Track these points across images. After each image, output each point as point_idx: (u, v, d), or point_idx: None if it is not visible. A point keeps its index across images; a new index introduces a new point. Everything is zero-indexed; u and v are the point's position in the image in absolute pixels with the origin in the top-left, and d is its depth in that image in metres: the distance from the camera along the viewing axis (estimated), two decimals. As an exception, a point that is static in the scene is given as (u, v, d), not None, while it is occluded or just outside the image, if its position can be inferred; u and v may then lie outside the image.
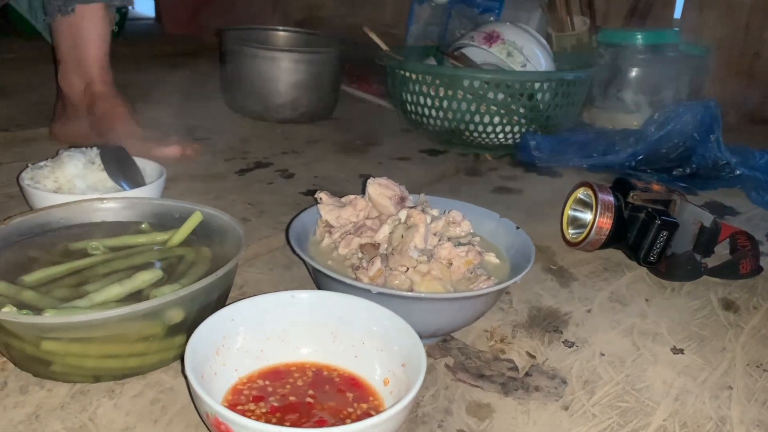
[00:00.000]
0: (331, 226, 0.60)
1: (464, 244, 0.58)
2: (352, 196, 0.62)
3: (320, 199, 0.63)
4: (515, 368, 0.56)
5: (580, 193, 0.81)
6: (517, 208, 0.94)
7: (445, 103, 1.12)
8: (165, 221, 0.65)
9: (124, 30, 2.13)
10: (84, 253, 0.59)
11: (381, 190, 0.60)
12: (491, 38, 1.19)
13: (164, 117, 1.26)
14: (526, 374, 0.56)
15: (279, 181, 0.98)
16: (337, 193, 0.93)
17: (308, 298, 0.50)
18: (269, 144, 1.16)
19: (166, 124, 1.19)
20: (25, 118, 1.18)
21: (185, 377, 0.41)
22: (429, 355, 0.56)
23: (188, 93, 1.50)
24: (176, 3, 2.29)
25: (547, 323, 0.64)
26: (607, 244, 0.78)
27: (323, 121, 1.34)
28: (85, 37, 0.98)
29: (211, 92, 1.45)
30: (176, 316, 0.49)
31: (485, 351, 0.58)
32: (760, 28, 1.46)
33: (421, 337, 0.47)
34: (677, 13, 1.55)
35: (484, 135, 1.14)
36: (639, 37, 1.26)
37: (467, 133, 1.15)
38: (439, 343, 0.58)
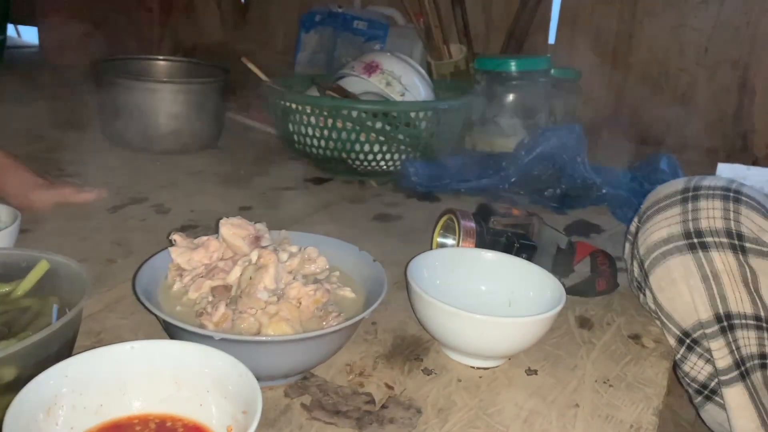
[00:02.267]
0: (183, 270, 0.59)
1: (322, 281, 0.58)
2: (205, 237, 0.62)
3: (174, 240, 0.62)
4: (372, 401, 0.57)
5: (446, 220, 0.83)
6: (394, 234, 0.96)
7: (325, 132, 1.14)
8: (11, 271, 0.62)
9: (2, 60, 2.03)
10: None
11: (234, 230, 0.60)
12: (370, 68, 1.22)
13: (40, 152, 1.21)
14: (383, 406, 0.57)
15: (153, 217, 0.96)
16: (213, 229, 0.93)
17: (148, 347, 0.49)
18: (147, 177, 1.13)
19: (39, 161, 1.14)
20: None
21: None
22: (286, 395, 0.56)
23: (67, 126, 1.44)
24: (60, 30, 2.20)
25: (409, 352, 0.66)
26: (472, 268, 0.81)
27: (208, 151, 1.32)
28: None
29: (91, 124, 1.40)
30: (8, 374, 0.47)
31: (344, 386, 0.59)
32: (625, 53, 1.56)
33: (274, 378, 0.47)
34: (551, 39, 1.64)
35: (366, 162, 1.16)
36: (512, 64, 1.31)
37: (350, 161, 1.17)
38: (299, 381, 0.58)
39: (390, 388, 0.59)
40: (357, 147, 1.14)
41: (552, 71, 1.40)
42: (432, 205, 1.11)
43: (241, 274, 0.56)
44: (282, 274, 0.56)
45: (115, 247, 0.84)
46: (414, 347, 0.67)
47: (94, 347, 0.62)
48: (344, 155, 1.16)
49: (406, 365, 0.63)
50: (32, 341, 0.47)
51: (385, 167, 1.18)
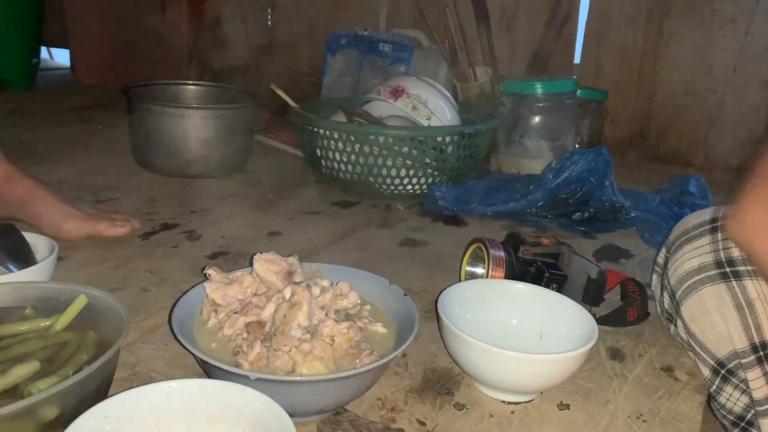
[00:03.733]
0: (218, 305, 0.60)
1: (351, 317, 0.59)
2: (239, 272, 0.63)
3: (209, 275, 0.63)
4: (404, 437, 0.57)
5: (475, 249, 0.83)
6: (421, 260, 0.96)
7: (353, 157, 1.15)
8: (50, 305, 0.63)
9: (35, 82, 2.09)
10: (-41, 347, 0.57)
11: (267, 266, 0.60)
12: (396, 92, 1.23)
13: (72, 177, 1.24)
14: (415, 443, 0.57)
15: (184, 243, 0.97)
16: (244, 254, 0.94)
17: (185, 387, 0.50)
18: (178, 202, 1.15)
19: (72, 185, 1.17)
20: None
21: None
22: (319, 430, 0.57)
23: (98, 150, 1.47)
24: (92, 53, 2.25)
25: (440, 386, 0.66)
26: (501, 298, 0.81)
27: (237, 175, 1.34)
28: None
29: (122, 148, 1.43)
30: (50, 413, 0.48)
31: (376, 421, 0.59)
32: (651, 72, 1.55)
33: (307, 415, 0.48)
34: (577, 59, 1.64)
35: (393, 186, 1.17)
36: (538, 86, 1.32)
37: (377, 185, 1.17)
38: (331, 416, 0.59)
39: (422, 424, 0.59)
40: (384, 171, 1.14)
41: (578, 92, 1.40)
42: (459, 229, 1.11)
43: (275, 311, 0.56)
44: (315, 309, 0.57)
45: (148, 275, 0.86)
46: (445, 380, 0.67)
47: (130, 379, 0.64)
48: (371, 179, 1.16)
49: (438, 400, 0.63)
50: (74, 381, 0.48)
51: (411, 190, 1.18)
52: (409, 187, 1.18)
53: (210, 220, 1.08)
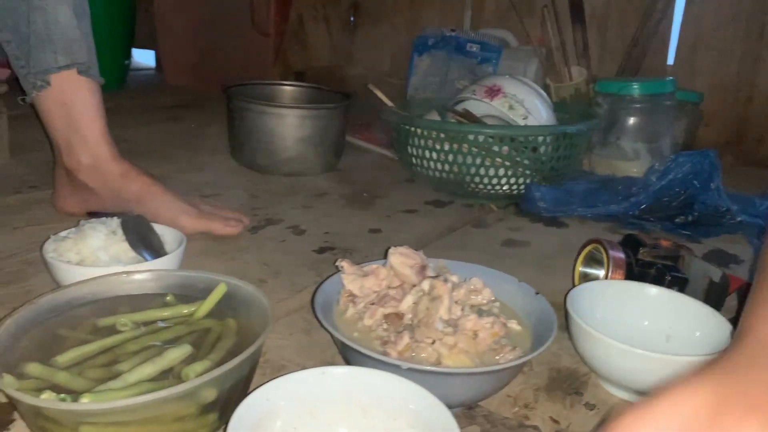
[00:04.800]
0: (355, 296, 0.61)
1: (486, 312, 0.59)
2: (374, 266, 0.64)
3: (342, 268, 0.64)
4: (541, 435, 0.57)
5: (591, 250, 0.82)
6: (528, 262, 0.96)
7: (450, 157, 1.15)
8: (189, 292, 0.66)
9: (126, 82, 2.17)
10: (112, 330, 0.59)
11: (402, 259, 0.61)
12: (492, 92, 1.22)
13: (173, 173, 1.29)
14: (552, 441, 0.57)
15: (291, 238, 1.00)
16: (349, 250, 0.96)
17: (338, 374, 0.51)
18: (278, 199, 1.18)
19: (173, 180, 1.21)
20: (36, 178, 1.19)
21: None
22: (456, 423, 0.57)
23: (194, 147, 1.52)
24: (178, 53, 2.32)
25: (567, 385, 0.65)
26: (618, 300, 0.79)
27: (330, 173, 1.36)
28: (82, 113, 0.93)
29: (217, 146, 1.47)
30: (210, 395, 0.50)
31: (510, 418, 0.59)
32: (750, 73, 1.50)
33: (448, 407, 0.48)
34: (670, 60, 1.60)
35: (489, 186, 1.17)
36: (636, 87, 1.29)
37: (472, 185, 1.17)
38: (464, 410, 0.59)
39: (556, 422, 0.59)
40: (481, 171, 1.14)
41: (675, 95, 1.37)
42: (559, 230, 1.10)
43: (415, 303, 0.57)
44: (452, 305, 0.57)
45: (263, 267, 0.88)
46: (571, 381, 0.66)
47: (263, 366, 0.66)
48: (467, 179, 1.17)
49: (567, 399, 0.63)
50: (233, 365, 0.50)
51: (507, 191, 1.18)
52: (506, 187, 1.17)
53: (311, 217, 1.10)
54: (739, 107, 1.53)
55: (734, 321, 0.78)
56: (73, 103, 0.93)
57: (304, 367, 0.65)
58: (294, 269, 0.88)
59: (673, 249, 0.80)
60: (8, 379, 0.49)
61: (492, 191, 1.18)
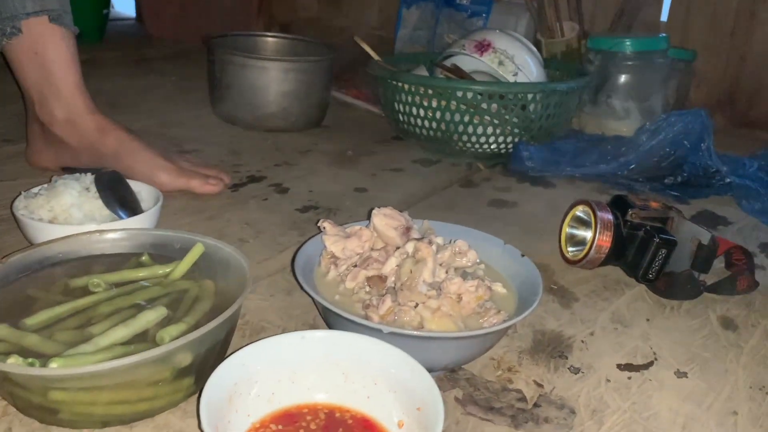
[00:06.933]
0: (337, 258, 0.59)
1: (471, 274, 0.58)
2: (357, 227, 0.62)
3: (324, 228, 0.62)
4: (524, 399, 0.56)
5: (578, 211, 0.81)
6: (514, 223, 0.94)
7: (438, 114, 1.12)
8: (165, 252, 0.63)
9: (105, 33, 2.10)
10: (85, 291, 0.57)
11: (386, 220, 0.59)
12: (482, 47, 1.19)
13: (151, 128, 1.25)
14: (535, 405, 0.56)
15: (273, 197, 0.97)
16: (334, 209, 0.94)
17: (318, 338, 0.49)
18: (261, 156, 1.15)
19: (154, 135, 1.18)
20: (8, 131, 1.15)
21: (201, 432, 0.40)
22: (438, 387, 0.56)
23: (174, 101, 1.48)
24: (159, 3, 2.25)
25: (552, 348, 0.64)
26: (605, 262, 0.78)
27: (314, 129, 1.33)
28: (55, 63, 0.88)
29: (198, 100, 1.43)
30: (185, 359, 0.49)
31: (493, 381, 0.58)
32: (746, 32, 1.47)
33: (431, 371, 0.47)
34: (664, 16, 1.56)
35: (477, 145, 1.14)
36: (628, 43, 1.26)
37: (460, 143, 1.15)
38: (447, 374, 0.58)
39: (539, 385, 0.58)
40: (470, 129, 1.12)
41: (668, 52, 1.34)
42: (548, 191, 1.08)
43: (397, 266, 0.55)
44: (436, 267, 0.56)
45: (243, 227, 0.86)
46: (556, 344, 0.65)
47: (242, 328, 0.64)
48: (455, 137, 1.14)
49: (551, 363, 0.62)
50: (209, 329, 0.48)
51: (496, 149, 1.16)
52: (494, 146, 1.15)
53: (295, 174, 1.07)
54: (731, 67, 1.51)
55: (724, 282, 0.77)
56: (45, 52, 0.89)
57: (284, 329, 0.64)
58: (276, 229, 0.86)
59: (662, 210, 0.78)
60: (-27, 342, 0.47)
61: (480, 150, 1.16)
